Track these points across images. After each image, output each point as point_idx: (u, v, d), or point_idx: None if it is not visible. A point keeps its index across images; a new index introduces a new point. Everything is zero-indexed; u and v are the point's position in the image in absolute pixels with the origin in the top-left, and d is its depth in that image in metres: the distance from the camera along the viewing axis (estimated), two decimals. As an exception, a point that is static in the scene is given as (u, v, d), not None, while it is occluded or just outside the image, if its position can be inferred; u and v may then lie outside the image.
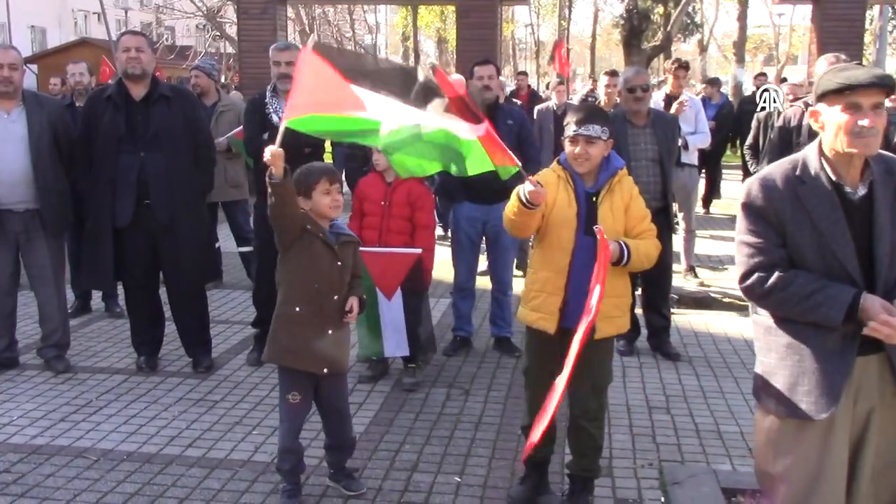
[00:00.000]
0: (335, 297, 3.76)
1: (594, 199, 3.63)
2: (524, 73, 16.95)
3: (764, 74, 14.77)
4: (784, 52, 45.45)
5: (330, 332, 3.76)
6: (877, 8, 20.41)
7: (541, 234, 3.69)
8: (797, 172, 2.69)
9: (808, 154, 2.73)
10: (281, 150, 3.45)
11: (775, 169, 2.74)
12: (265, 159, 3.46)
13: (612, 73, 9.09)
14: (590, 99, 11.53)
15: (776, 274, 2.67)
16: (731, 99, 16.15)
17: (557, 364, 3.77)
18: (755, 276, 2.72)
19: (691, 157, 7.86)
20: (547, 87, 13.74)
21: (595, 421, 3.80)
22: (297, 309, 3.73)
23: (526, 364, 3.95)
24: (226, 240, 8.23)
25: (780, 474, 2.78)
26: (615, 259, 3.49)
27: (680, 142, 7.09)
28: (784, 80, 20.54)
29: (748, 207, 2.74)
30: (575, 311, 3.55)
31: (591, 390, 3.75)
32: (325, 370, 3.77)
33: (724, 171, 13.36)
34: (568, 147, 3.64)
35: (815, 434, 2.70)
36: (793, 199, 2.66)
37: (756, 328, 2.89)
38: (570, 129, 3.62)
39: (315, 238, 3.70)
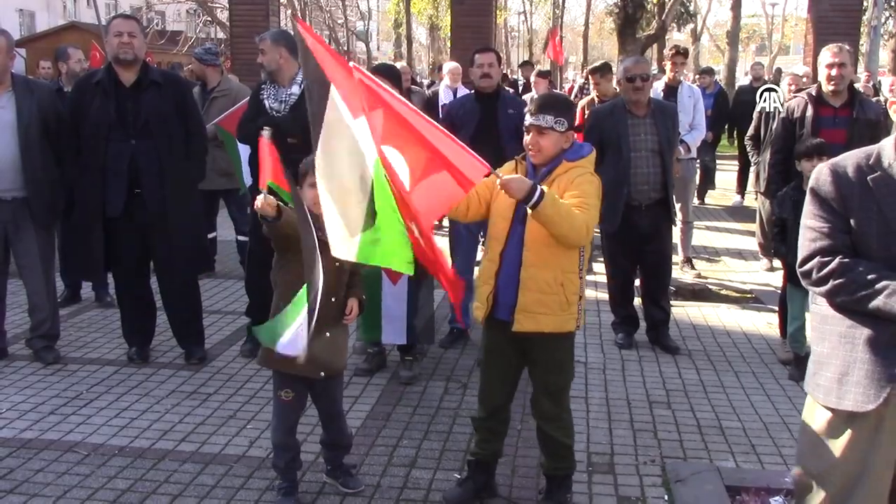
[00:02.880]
0: (332, 300, 3.60)
1: None
2: (529, 64, 17.07)
3: (760, 64, 14.64)
4: (776, 43, 45.46)
5: (328, 334, 3.59)
6: (871, -1, 20.36)
7: (489, 226, 3.63)
8: (870, 161, 2.65)
9: (884, 145, 2.68)
10: (272, 199, 3.30)
11: (848, 156, 2.71)
12: (255, 207, 3.33)
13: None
14: (584, 91, 11.42)
15: (837, 259, 2.62)
16: (724, 87, 16.09)
17: (509, 360, 3.69)
18: (815, 259, 2.68)
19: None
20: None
21: (555, 422, 3.67)
22: None
23: (480, 355, 3.89)
24: (221, 227, 8.13)
25: (822, 473, 2.74)
26: (522, 195, 3.18)
27: (682, 150, 7.05)
28: (778, 70, 20.47)
29: (815, 192, 2.70)
30: (506, 304, 3.50)
31: (543, 392, 3.66)
32: (322, 374, 3.63)
33: (718, 161, 13.29)
34: (525, 136, 3.55)
35: (862, 429, 2.66)
36: (862, 186, 2.62)
37: (813, 318, 2.85)
38: (526, 118, 3.53)
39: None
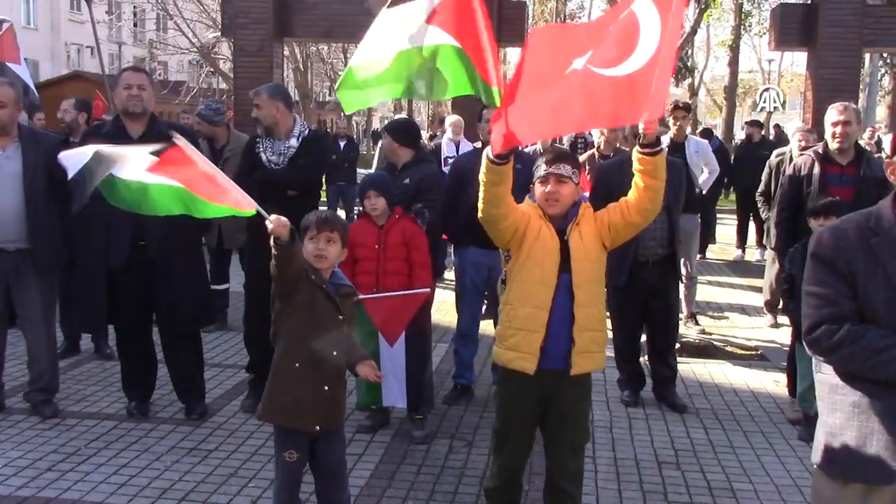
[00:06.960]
0: (335, 353, 3.53)
1: (564, 236, 3.51)
2: None
3: (758, 123, 14.68)
4: (772, 98, 45.86)
5: (326, 388, 3.51)
6: (867, 55, 20.63)
7: (518, 269, 3.54)
8: (870, 224, 2.60)
9: (882, 206, 2.63)
10: (285, 219, 3.24)
11: (848, 219, 2.67)
12: (269, 230, 3.23)
13: None
14: (579, 144, 11.56)
15: (846, 327, 2.54)
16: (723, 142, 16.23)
17: (532, 417, 3.61)
18: (822, 328, 2.59)
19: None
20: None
21: (575, 481, 3.66)
22: (297, 364, 3.51)
23: (497, 423, 3.72)
24: (233, 278, 8.04)
25: None
26: (655, 137, 3.30)
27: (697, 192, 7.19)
28: (777, 126, 20.61)
29: (818, 257, 2.64)
30: (554, 352, 3.46)
31: (570, 450, 3.62)
32: (317, 428, 3.54)
33: (717, 214, 13.30)
34: (538, 188, 3.56)
35: (882, 502, 2.56)
36: (865, 250, 2.56)
37: (820, 387, 2.75)
38: (541, 169, 3.56)
39: (318, 290, 3.49)
